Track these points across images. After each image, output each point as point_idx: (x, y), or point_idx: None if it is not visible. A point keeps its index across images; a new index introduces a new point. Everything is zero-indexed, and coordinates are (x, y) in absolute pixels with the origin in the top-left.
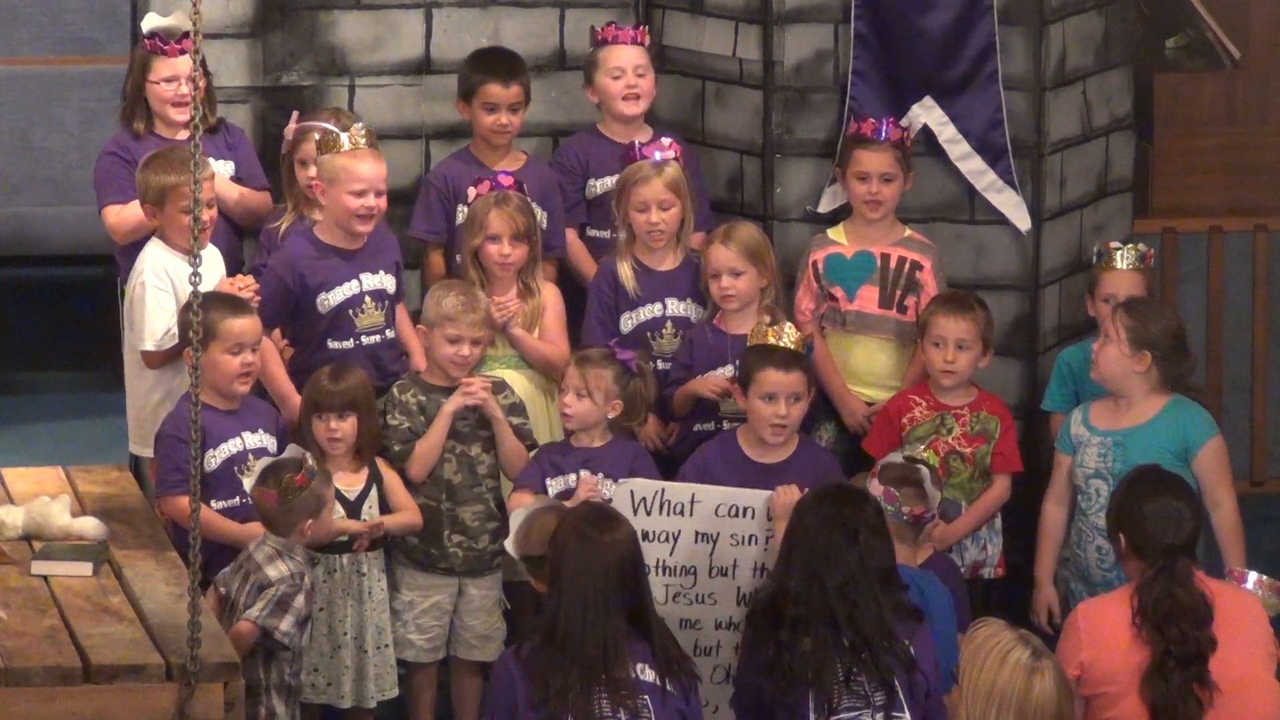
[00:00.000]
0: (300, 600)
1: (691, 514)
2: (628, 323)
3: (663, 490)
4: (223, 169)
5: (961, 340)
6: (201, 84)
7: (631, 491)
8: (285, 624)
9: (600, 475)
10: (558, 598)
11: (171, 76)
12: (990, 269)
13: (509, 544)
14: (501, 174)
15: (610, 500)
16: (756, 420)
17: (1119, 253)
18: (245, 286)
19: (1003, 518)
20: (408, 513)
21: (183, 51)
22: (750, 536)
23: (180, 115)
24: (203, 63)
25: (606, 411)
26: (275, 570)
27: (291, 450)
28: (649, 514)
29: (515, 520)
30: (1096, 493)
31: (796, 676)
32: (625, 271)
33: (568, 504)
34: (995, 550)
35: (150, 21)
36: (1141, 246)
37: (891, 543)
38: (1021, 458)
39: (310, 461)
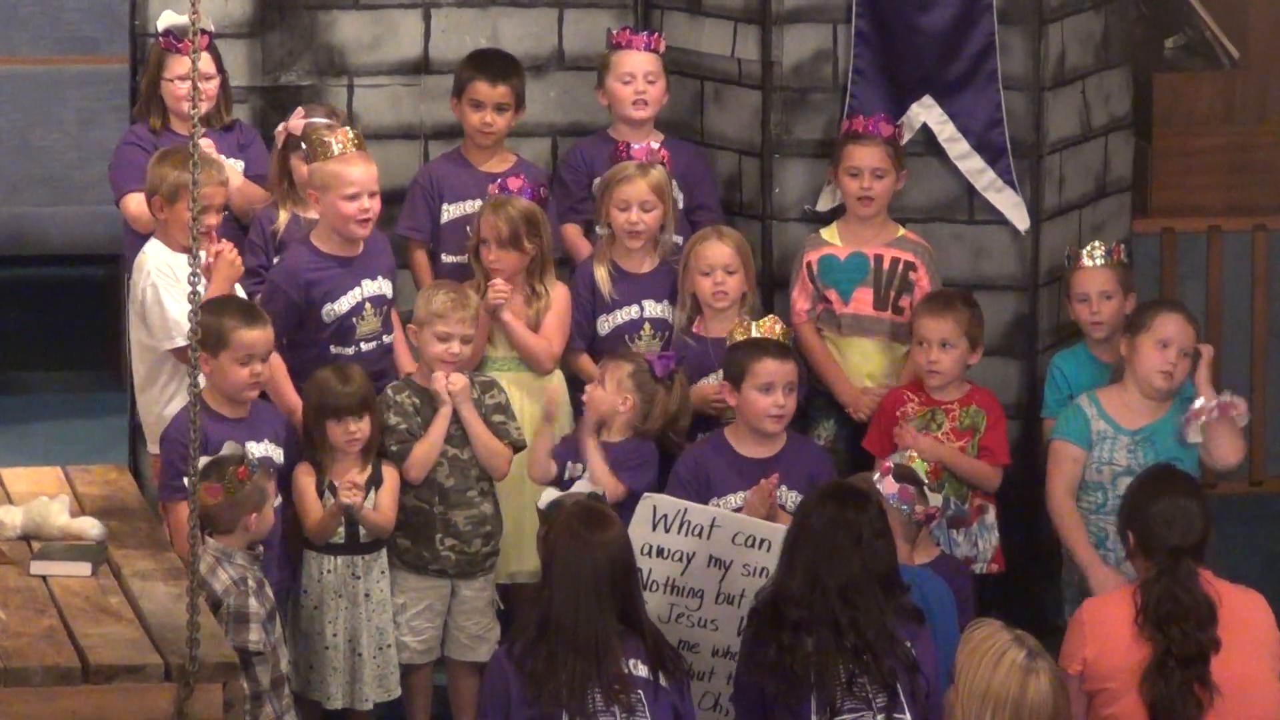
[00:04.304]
0: (253, 603)
1: (709, 538)
2: (604, 325)
3: (685, 510)
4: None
5: (945, 340)
6: (216, 82)
7: (654, 506)
8: (253, 634)
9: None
10: (549, 595)
11: (186, 74)
12: (989, 269)
13: (540, 502)
14: (510, 177)
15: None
16: (753, 413)
17: (1086, 251)
18: (228, 252)
19: (1000, 516)
20: (381, 515)
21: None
22: (762, 569)
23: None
24: (218, 61)
25: (618, 403)
26: (218, 582)
27: (230, 447)
28: (667, 531)
29: (548, 495)
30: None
31: (799, 678)
32: (601, 274)
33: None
34: (987, 546)
35: (166, 20)
36: (1111, 242)
37: (894, 544)
38: (1013, 454)
39: (251, 455)
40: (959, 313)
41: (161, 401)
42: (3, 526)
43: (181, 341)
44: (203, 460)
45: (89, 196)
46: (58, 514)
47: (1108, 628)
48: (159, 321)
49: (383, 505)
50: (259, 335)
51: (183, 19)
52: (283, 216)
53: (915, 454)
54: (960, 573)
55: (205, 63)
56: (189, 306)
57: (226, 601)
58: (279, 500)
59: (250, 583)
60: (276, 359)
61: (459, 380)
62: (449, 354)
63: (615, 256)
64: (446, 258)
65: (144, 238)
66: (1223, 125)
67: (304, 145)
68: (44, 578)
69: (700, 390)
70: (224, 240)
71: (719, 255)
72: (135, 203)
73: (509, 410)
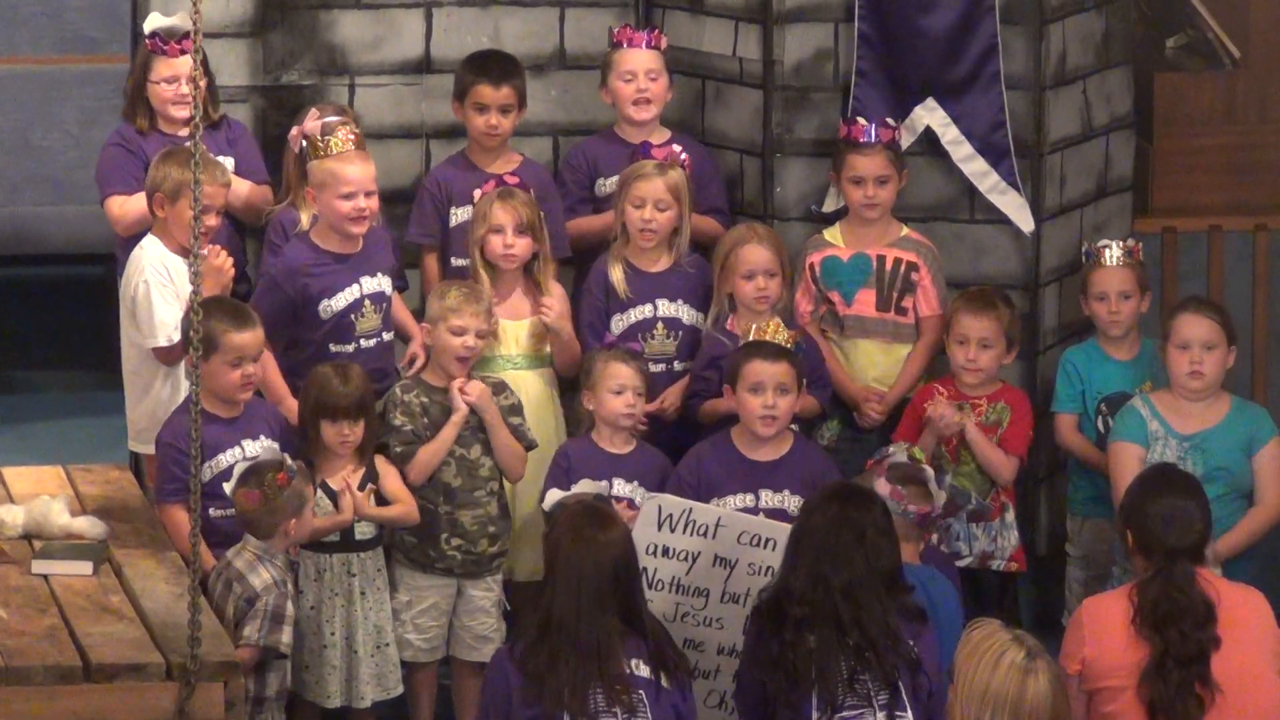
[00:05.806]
0: (289, 606)
1: (714, 537)
2: (618, 324)
3: (690, 510)
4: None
5: (984, 339)
6: (203, 83)
7: (659, 507)
8: (285, 635)
9: (634, 484)
10: (552, 595)
11: (172, 77)
12: (990, 268)
13: (545, 503)
14: (508, 175)
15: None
16: (746, 414)
17: (1107, 250)
18: (215, 259)
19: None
20: (401, 506)
21: (183, 51)
22: (767, 568)
23: (181, 113)
24: (204, 61)
25: (640, 415)
26: (258, 579)
27: (269, 452)
28: (672, 531)
29: (553, 495)
30: None
31: (800, 675)
32: (616, 273)
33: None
34: (1006, 544)
35: (152, 22)
36: (1130, 241)
37: (898, 543)
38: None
39: (290, 460)
40: (999, 312)
41: (161, 396)
42: (4, 526)
43: (163, 342)
44: (241, 466)
45: (89, 196)
46: (59, 513)
47: (1106, 626)
48: (146, 320)
49: (396, 495)
50: (249, 337)
51: (168, 21)
52: (305, 219)
53: (909, 445)
54: (947, 565)
55: (189, 64)
56: (175, 310)
57: (266, 599)
58: None
59: (288, 585)
60: (266, 354)
61: (476, 387)
62: (464, 348)
63: (629, 255)
64: (457, 261)
65: (124, 241)
66: (1224, 125)
67: (304, 142)
68: (45, 577)
69: (713, 406)
70: (215, 246)
71: (761, 259)
72: (117, 206)
73: (521, 411)
